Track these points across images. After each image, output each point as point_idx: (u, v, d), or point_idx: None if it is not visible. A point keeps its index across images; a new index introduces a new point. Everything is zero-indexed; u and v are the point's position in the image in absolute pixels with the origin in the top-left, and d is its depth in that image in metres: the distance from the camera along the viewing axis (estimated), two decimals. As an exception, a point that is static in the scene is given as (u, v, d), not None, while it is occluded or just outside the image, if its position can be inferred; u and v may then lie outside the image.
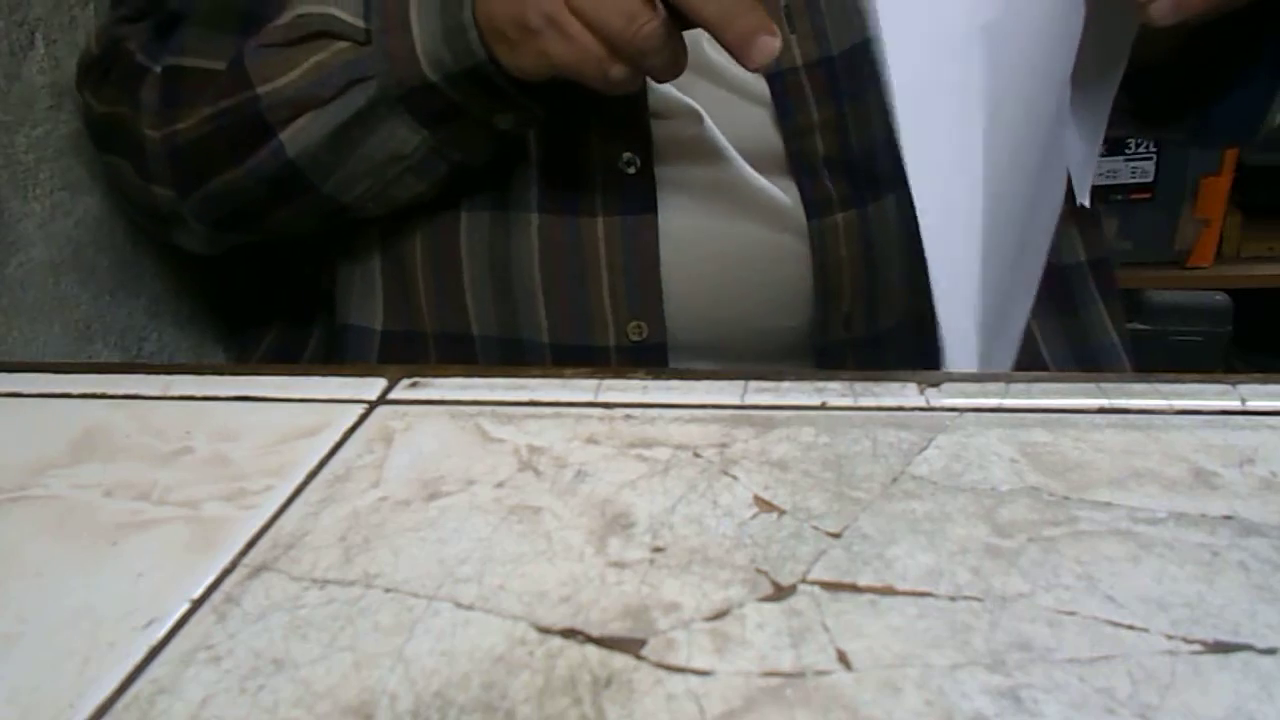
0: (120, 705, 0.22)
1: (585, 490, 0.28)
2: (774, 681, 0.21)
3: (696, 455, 0.29)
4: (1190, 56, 0.47)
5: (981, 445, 0.29)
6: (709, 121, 0.47)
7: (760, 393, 0.32)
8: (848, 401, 0.31)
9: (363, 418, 0.33)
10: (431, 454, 0.30)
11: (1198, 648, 0.21)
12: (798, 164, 0.47)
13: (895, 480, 0.27)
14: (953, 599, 0.23)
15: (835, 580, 0.24)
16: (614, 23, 0.36)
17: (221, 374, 0.37)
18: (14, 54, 0.51)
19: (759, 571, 0.24)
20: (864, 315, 0.49)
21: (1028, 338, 0.53)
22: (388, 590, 0.25)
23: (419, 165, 0.46)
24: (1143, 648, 0.21)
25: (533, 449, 0.30)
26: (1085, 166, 0.45)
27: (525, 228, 0.48)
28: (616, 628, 0.23)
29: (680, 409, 0.32)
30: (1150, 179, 1.19)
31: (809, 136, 0.47)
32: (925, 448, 0.29)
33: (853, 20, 0.47)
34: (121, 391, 0.36)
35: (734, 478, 0.28)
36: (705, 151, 0.47)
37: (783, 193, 0.47)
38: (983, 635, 0.22)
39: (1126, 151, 1.18)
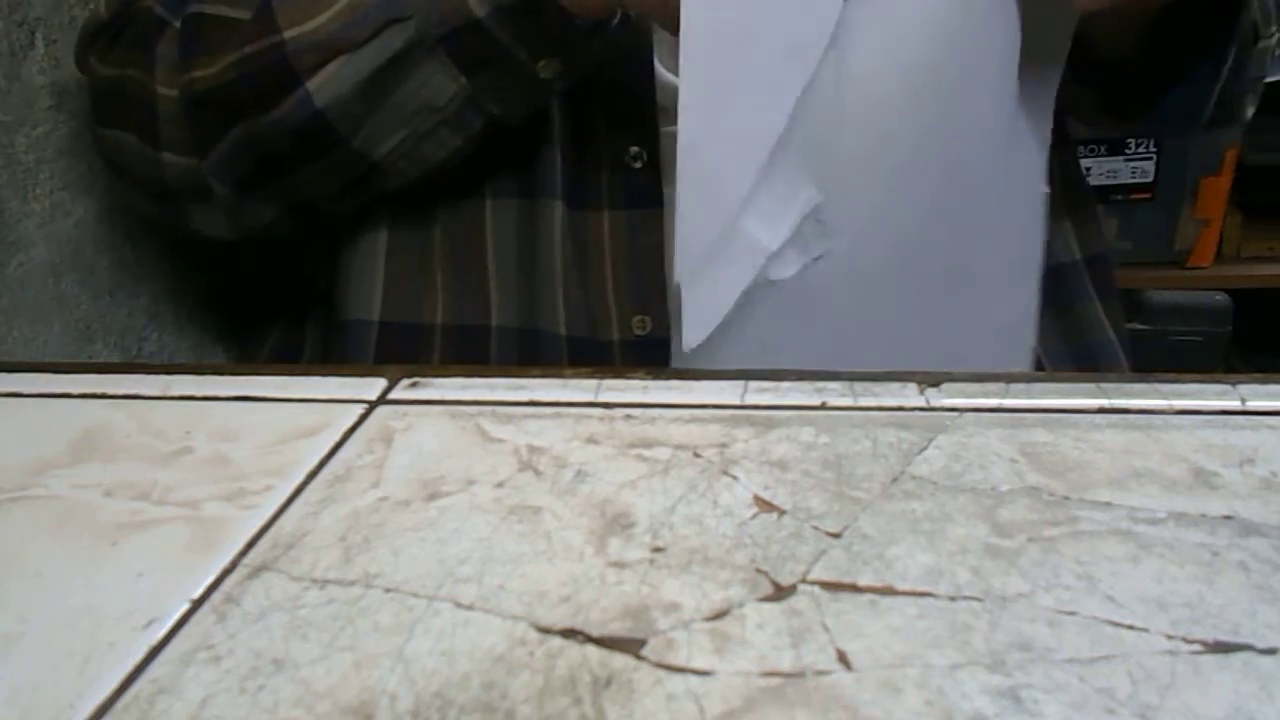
0: (120, 705, 0.22)
1: (585, 490, 0.28)
2: (774, 681, 0.21)
3: (696, 455, 0.29)
4: (1147, 51, 0.47)
5: (981, 445, 0.29)
6: None
7: (760, 392, 0.32)
8: (848, 401, 0.31)
9: (363, 418, 0.33)
10: (431, 454, 0.30)
11: (1198, 648, 0.21)
12: None
13: (895, 480, 0.27)
14: (953, 599, 0.23)
15: (835, 580, 0.24)
16: None
17: (221, 374, 0.37)
18: (14, 54, 0.51)
19: (759, 571, 0.24)
20: None
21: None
22: (388, 590, 0.25)
23: (454, 117, 0.44)
24: (1143, 648, 0.21)
25: (533, 449, 0.30)
26: (1037, 155, 0.45)
27: (550, 215, 0.47)
28: (616, 628, 0.23)
29: (680, 409, 0.32)
30: (1150, 179, 1.19)
31: None
32: (925, 448, 0.29)
33: None
34: (121, 391, 0.36)
35: (734, 478, 0.28)
36: None
37: None
38: (983, 635, 0.22)
39: (1126, 151, 1.18)
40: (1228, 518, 0.25)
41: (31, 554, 0.27)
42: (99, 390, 0.36)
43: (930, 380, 0.32)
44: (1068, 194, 0.55)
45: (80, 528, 0.28)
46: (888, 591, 0.23)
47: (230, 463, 0.31)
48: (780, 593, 0.23)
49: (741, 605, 0.23)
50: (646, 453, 0.29)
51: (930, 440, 0.29)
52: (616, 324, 0.48)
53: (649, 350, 0.48)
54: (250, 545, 0.27)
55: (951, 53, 0.39)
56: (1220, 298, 1.19)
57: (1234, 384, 0.31)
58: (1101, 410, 0.30)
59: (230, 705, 0.21)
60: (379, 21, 0.42)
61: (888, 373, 0.33)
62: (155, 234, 0.60)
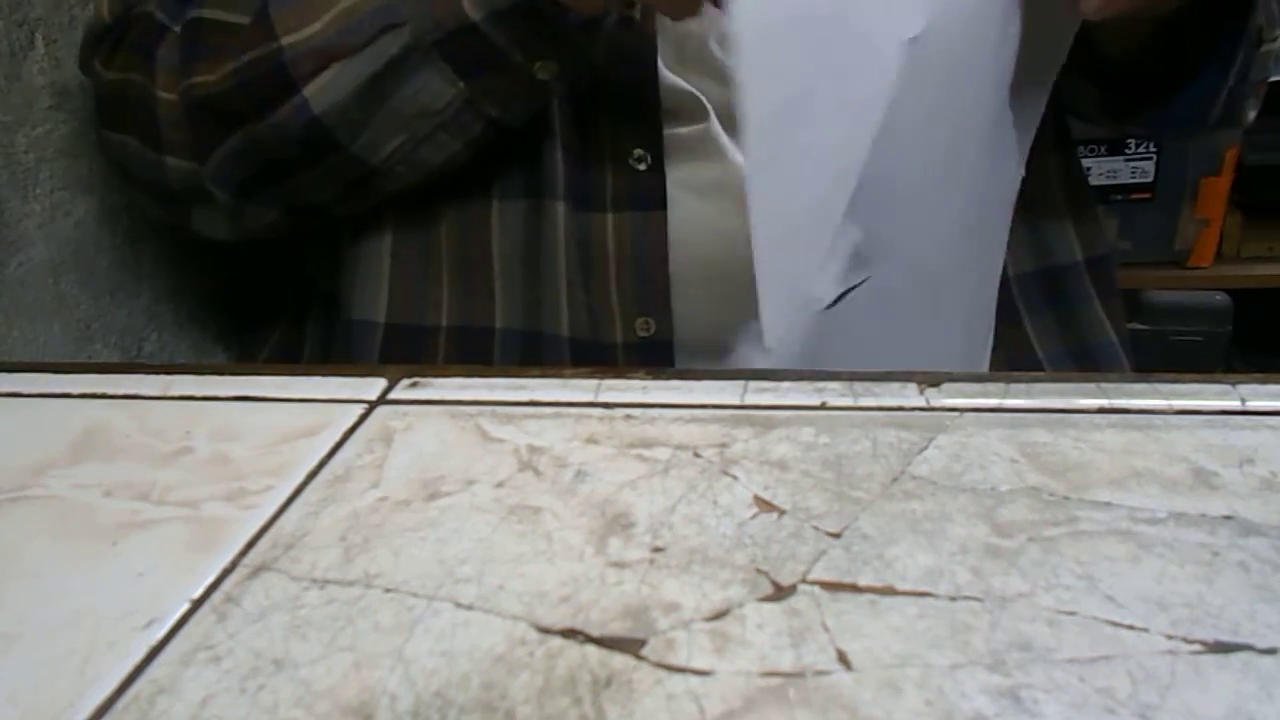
0: (120, 705, 0.22)
1: (585, 490, 0.28)
2: (774, 681, 0.21)
3: (696, 455, 0.29)
4: (1156, 52, 0.47)
5: (981, 445, 0.29)
6: (715, 121, 0.47)
7: (760, 393, 0.32)
8: (848, 401, 0.31)
9: (363, 418, 0.33)
10: (431, 454, 0.30)
11: (1198, 648, 0.21)
12: None
13: (895, 480, 0.27)
14: (953, 599, 0.23)
15: (835, 580, 0.24)
16: None
17: (221, 374, 0.37)
18: (14, 54, 0.51)
19: (759, 571, 0.24)
20: None
21: (1021, 337, 0.54)
22: (388, 590, 0.25)
23: (452, 121, 0.44)
24: (1143, 648, 0.21)
25: (533, 449, 0.30)
26: (1017, 155, 0.45)
27: (554, 217, 0.47)
28: (616, 628, 0.23)
29: (680, 409, 0.32)
30: (1150, 179, 1.19)
31: None
32: (925, 448, 0.29)
33: None
34: (121, 391, 0.36)
35: (734, 478, 0.28)
36: (712, 150, 0.47)
37: None
38: (983, 635, 0.22)
39: (1126, 151, 1.18)
40: (1228, 518, 0.25)
41: (31, 554, 0.27)
42: (99, 390, 0.36)
43: (930, 380, 0.32)
44: (1069, 195, 0.55)
45: (80, 528, 0.28)
46: (888, 591, 0.23)
47: (230, 463, 0.31)
48: (780, 593, 0.23)
49: (741, 605, 0.23)
50: (646, 453, 0.29)
51: (930, 440, 0.29)
52: (620, 326, 0.48)
53: (652, 352, 0.48)
54: (250, 545, 0.27)
55: (954, 62, 0.39)
56: (1220, 298, 1.19)
57: (1234, 384, 0.31)
58: (1101, 410, 0.30)
59: (230, 705, 0.21)
60: (374, 27, 0.42)
61: (887, 373, 0.33)
62: (155, 234, 0.60)
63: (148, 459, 0.31)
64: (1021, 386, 0.31)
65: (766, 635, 0.22)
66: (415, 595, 0.24)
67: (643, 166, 0.47)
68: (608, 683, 0.21)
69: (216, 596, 0.25)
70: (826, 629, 0.22)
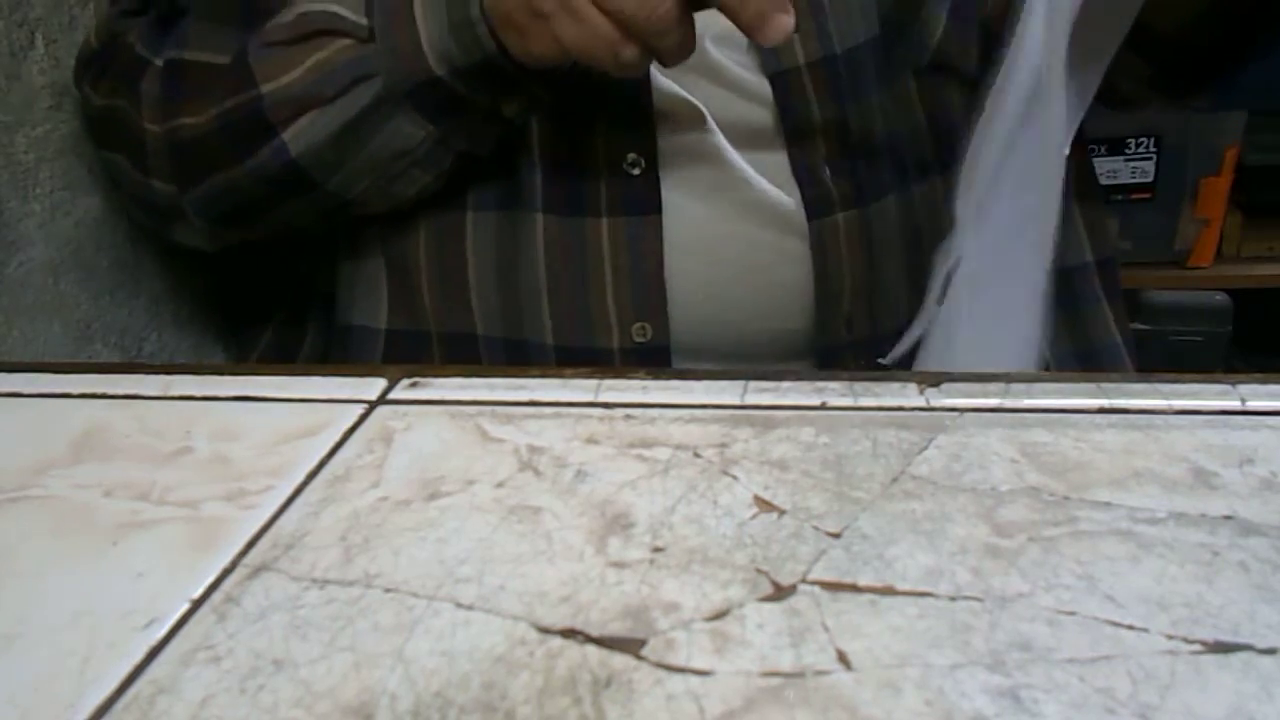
0: (120, 705, 0.22)
1: (585, 490, 0.28)
2: (774, 681, 0.21)
3: (696, 455, 0.29)
4: (1215, 23, 0.47)
5: (981, 445, 0.29)
6: (711, 123, 0.47)
7: (760, 393, 0.32)
8: (848, 401, 0.31)
9: (363, 418, 0.33)
10: (431, 454, 0.30)
11: (1198, 648, 0.21)
12: (799, 164, 0.47)
13: (895, 480, 0.27)
14: (953, 599, 0.23)
15: (835, 580, 0.24)
16: (628, 4, 0.36)
17: (221, 374, 0.37)
18: (14, 54, 0.51)
19: (759, 571, 0.24)
20: (865, 316, 0.49)
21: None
22: (388, 590, 0.25)
23: (424, 158, 0.46)
24: (1143, 648, 0.21)
25: (533, 449, 0.30)
26: (1070, 125, 0.45)
27: (531, 228, 0.48)
28: (616, 628, 0.23)
29: (680, 409, 0.32)
30: (1150, 179, 1.19)
31: (810, 136, 0.47)
32: (925, 448, 0.29)
33: (855, 19, 0.47)
34: (121, 391, 0.36)
35: (734, 478, 0.28)
36: (707, 154, 0.47)
37: (784, 194, 0.47)
38: (983, 635, 0.22)
39: (1126, 151, 1.18)
40: (1228, 518, 0.25)
41: (31, 554, 0.27)
42: (99, 390, 0.36)
43: (930, 380, 0.32)
44: (1082, 195, 0.55)
45: (80, 528, 0.28)
46: (888, 591, 0.23)
47: (230, 463, 0.31)
48: (780, 593, 0.23)
49: (741, 605, 0.23)
50: (646, 453, 0.29)
51: (930, 440, 0.29)
52: (616, 331, 0.48)
53: (649, 358, 0.48)
54: (250, 545, 0.27)
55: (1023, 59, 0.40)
56: (1220, 298, 1.19)
57: (1234, 384, 0.31)
58: (1101, 410, 0.30)
59: (230, 705, 0.21)
60: (347, 79, 0.44)
61: (888, 373, 0.33)
62: (155, 234, 0.60)
63: (148, 459, 0.31)
64: (1021, 386, 0.31)
65: (766, 635, 0.22)
66: (415, 595, 0.24)
67: (636, 171, 0.47)
68: (608, 683, 0.21)
69: (216, 596, 0.25)
70: (826, 629, 0.22)
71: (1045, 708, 0.20)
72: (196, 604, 0.25)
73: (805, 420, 0.31)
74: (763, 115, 0.47)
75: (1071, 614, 0.22)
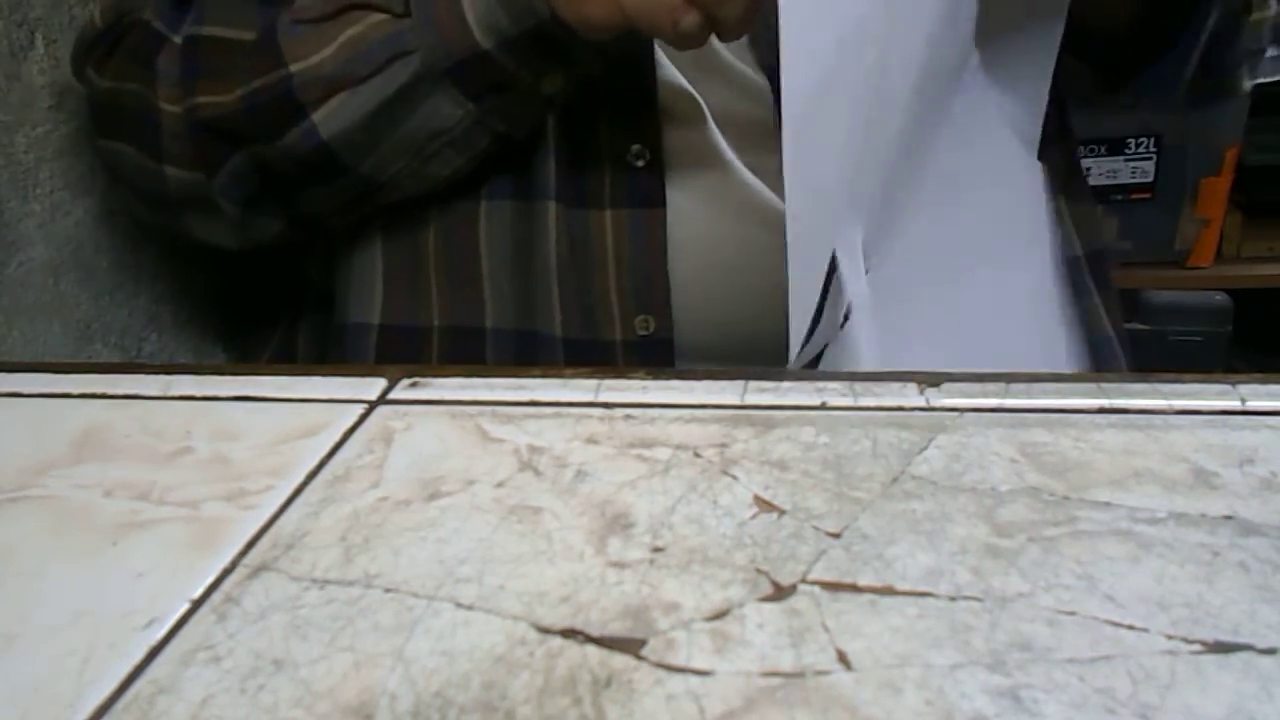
0: (120, 705, 0.22)
1: (585, 490, 0.28)
2: (774, 681, 0.21)
3: (696, 455, 0.29)
4: (1140, 21, 0.47)
5: (981, 445, 0.29)
6: (712, 124, 0.47)
7: (760, 393, 0.32)
8: (848, 401, 0.31)
9: (363, 418, 0.33)
10: (431, 454, 0.30)
11: (1198, 648, 0.21)
12: None
13: (895, 480, 0.27)
14: (953, 599, 0.23)
15: (835, 580, 0.24)
16: None
17: (221, 374, 0.37)
18: (14, 54, 0.51)
19: (759, 571, 0.24)
20: None
21: None
22: (388, 590, 0.25)
23: (461, 139, 0.45)
24: (1143, 648, 0.21)
25: (533, 449, 0.30)
26: (1030, 125, 0.45)
27: (544, 217, 0.47)
28: (616, 628, 0.23)
29: (680, 409, 0.32)
30: (1150, 179, 1.19)
31: None
32: (925, 448, 0.29)
33: None
34: (121, 391, 0.36)
35: (734, 478, 0.28)
36: (708, 154, 0.47)
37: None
38: (983, 635, 0.22)
39: (1126, 151, 1.18)
40: (1228, 518, 0.25)
41: (31, 554, 0.27)
42: (99, 390, 0.36)
43: (930, 380, 0.32)
44: (1070, 188, 0.55)
45: (80, 528, 0.28)
46: (888, 591, 0.23)
47: (230, 463, 0.31)
48: (780, 593, 0.23)
49: (741, 605, 0.23)
50: (646, 453, 0.29)
51: (930, 440, 0.29)
52: (619, 324, 0.48)
53: (652, 350, 0.48)
54: (250, 545, 0.27)
55: (942, 47, 0.40)
56: (1220, 298, 1.19)
57: (1234, 384, 0.31)
58: (1101, 410, 0.30)
59: (230, 705, 0.21)
60: (383, 56, 0.42)
61: (888, 372, 0.33)
62: (155, 234, 0.60)
63: (148, 459, 0.31)
64: (1021, 386, 0.31)
65: (766, 635, 0.22)
66: (415, 595, 0.24)
67: (640, 163, 0.47)
68: (608, 683, 0.21)
69: (216, 596, 0.25)
70: (826, 629, 0.22)
71: (1045, 708, 0.20)
72: (196, 604, 0.25)
73: (805, 420, 0.31)
74: (762, 115, 0.47)
75: (1071, 614, 0.22)
